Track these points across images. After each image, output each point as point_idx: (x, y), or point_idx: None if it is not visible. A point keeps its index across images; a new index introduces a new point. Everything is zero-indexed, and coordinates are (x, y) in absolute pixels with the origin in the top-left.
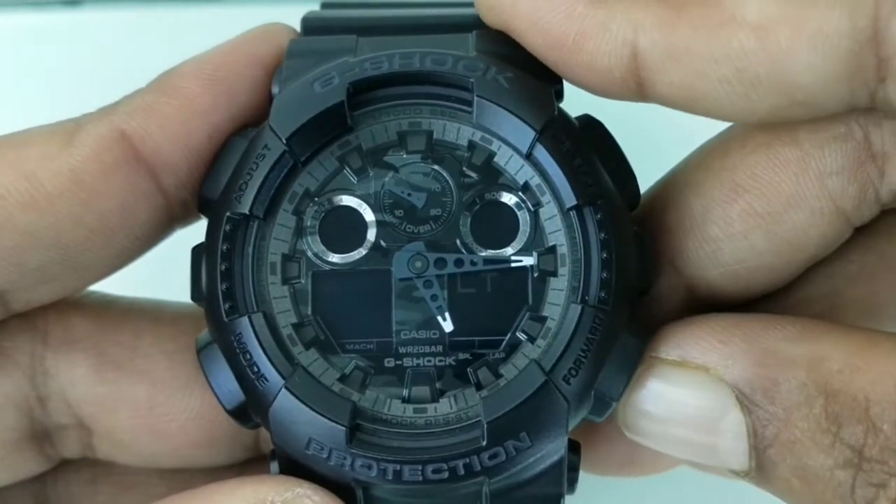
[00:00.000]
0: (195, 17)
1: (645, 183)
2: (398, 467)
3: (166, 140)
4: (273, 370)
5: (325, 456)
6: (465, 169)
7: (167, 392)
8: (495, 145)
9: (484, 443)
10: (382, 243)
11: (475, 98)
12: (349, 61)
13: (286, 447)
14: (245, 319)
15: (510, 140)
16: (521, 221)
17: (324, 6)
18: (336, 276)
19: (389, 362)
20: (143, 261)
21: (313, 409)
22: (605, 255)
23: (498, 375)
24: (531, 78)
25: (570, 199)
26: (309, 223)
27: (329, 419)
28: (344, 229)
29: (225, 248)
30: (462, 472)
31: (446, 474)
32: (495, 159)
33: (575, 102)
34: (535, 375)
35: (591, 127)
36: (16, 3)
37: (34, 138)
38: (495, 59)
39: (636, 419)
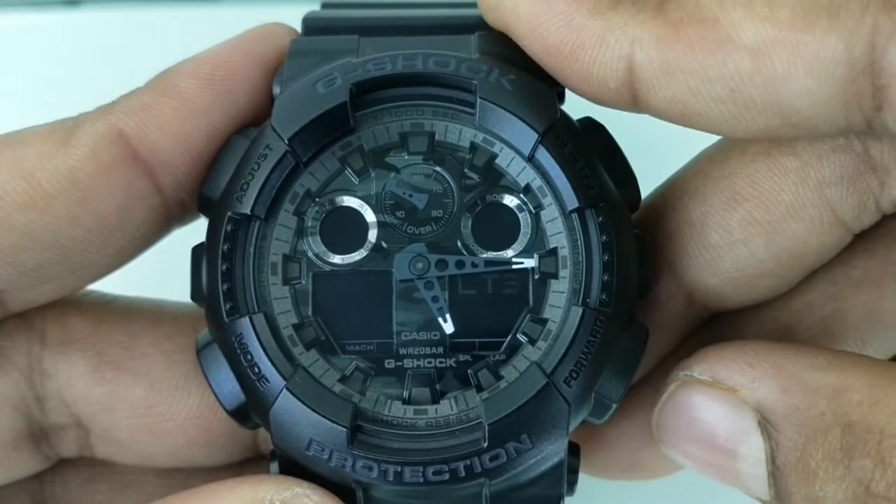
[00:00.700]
0: (195, 17)
1: (647, 185)
2: (399, 468)
3: (164, 140)
4: (274, 371)
5: (325, 457)
6: (466, 170)
7: (165, 392)
8: (497, 147)
9: (485, 444)
10: (383, 244)
11: (478, 100)
12: (352, 62)
13: (287, 448)
14: (246, 320)
15: (512, 142)
16: (522, 223)
17: (324, 6)
18: (337, 276)
19: (390, 363)
20: (142, 261)
21: (314, 411)
22: (606, 258)
23: (498, 377)
24: (534, 80)
25: (571, 202)
26: (310, 224)
27: (330, 420)
28: (345, 230)
29: (226, 248)
30: (463, 473)
31: (447, 476)
32: (497, 161)
33: (577, 105)
34: (537, 377)
35: (593, 129)
36: (16, 3)
37: (31, 138)
38: (498, 60)
39: (667, 434)
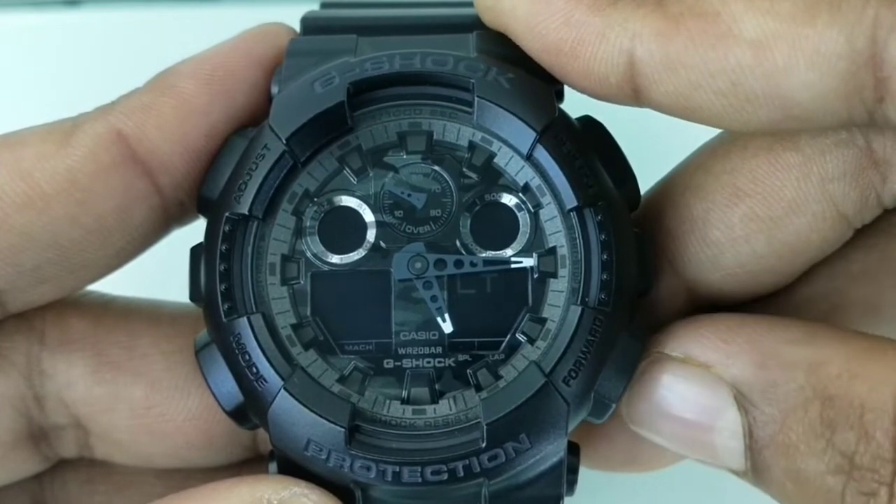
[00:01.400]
0: (195, 17)
1: (646, 184)
2: (397, 469)
3: (163, 140)
4: (272, 371)
5: (323, 457)
6: (465, 170)
7: (165, 392)
8: (495, 146)
9: (483, 444)
10: (382, 244)
11: (476, 99)
12: (349, 61)
13: (285, 448)
14: (244, 320)
15: (511, 141)
16: (521, 222)
17: (323, 6)
18: (335, 276)
19: (389, 363)
20: (141, 261)
21: (312, 411)
22: (605, 257)
23: (497, 377)
24: (532, 79)
25: (570, 201)
26: (308, 224)
27: (328, 420)
28: (343, 230)
29: (224, 248)
30: (461, 473)
31: (445, 476)
32: (495, 160)
33: (576, 103)
34: (535, 377)
35: (591, 128)
36: (16, 3)
37: (30, 138)
38: (496, 59)
39: (640, 413)
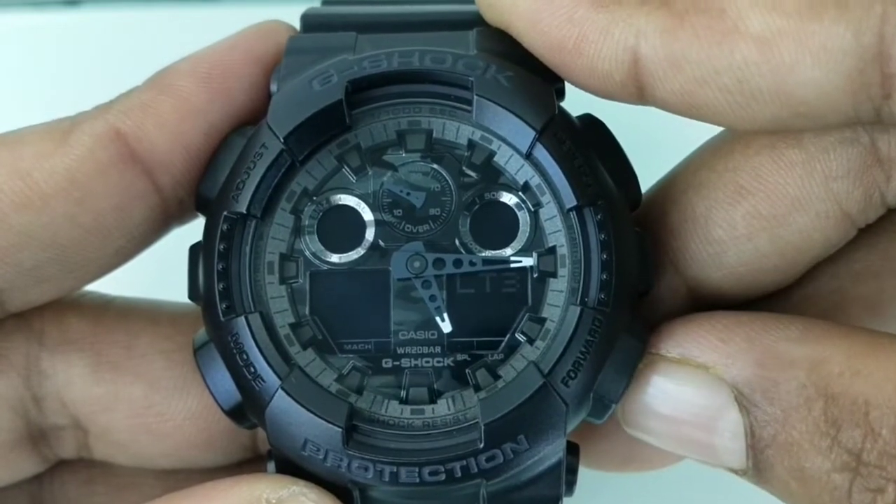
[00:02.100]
0: (195, 17)
1: (647, 183)
2: (395, 469)
3: (162, 139)
4: (269, 370)
5: (321, 457)
6: (464, 168)
7: (164, 392)
8: (495, 145)
9: (481, 445)
10: (381, 243)
11: (475, 97)
12: (348, 59)
13: (283, 448)
14: (242, 319)
15: (510, 139)
16: (520, 222)
17: (324, 3)
18: (334, 275)
19: (387, 363)
20: (141, 260)
21: (310, 410)
22: (605, 257)
23: (496, 377)
24: (532, 77)
25: (570, 200)
26: (307, 222)
27: (325, 420)
28: (342, 229)
29: (222, 247)
30: (459, 474)
31: (443, 476)
32: (495, 159)
33: (576, 101)
34: (534, 377)
35: (592, 126)
36: (16, 3)
37: (29, 137)
38: (496, 57)
39: (635, 415)
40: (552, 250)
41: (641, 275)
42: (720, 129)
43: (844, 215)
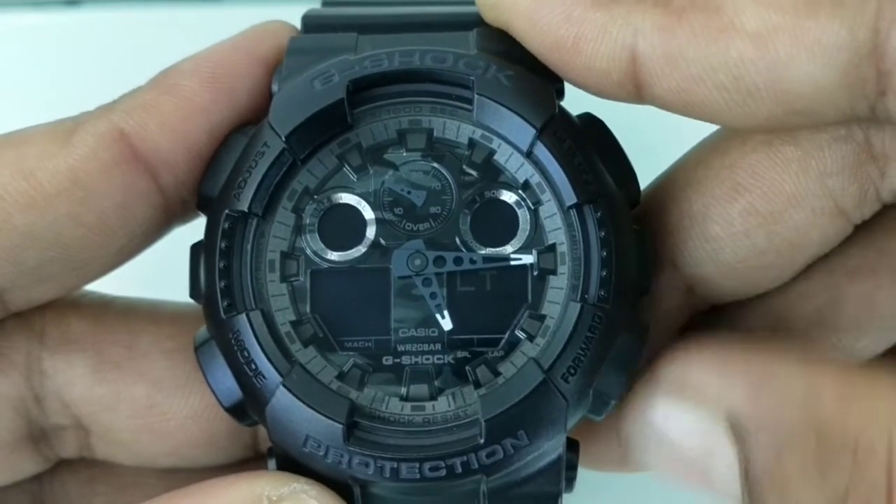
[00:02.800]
0: (195, 17)
1: (645, 181)
2: (396, 465)
3: (165, 138)
4: (271, 368)
5: (322, 453)
6: (465, 167)
7: (166, 391)
8: (495, 143)
9: (482, 441)
10: (382, 241)
11: (475, 96)
12: (349, 59)
13: (283, 445)
14: (243, 317)
15: (510, 138)
16: (520, 219)
17: (325, 4)
18: (335, 273)
19: (388, 360)
20: (141, 259)
21: (311, 407)
22: (604, 254)
23: (496, 374)
24: (532, 76)
25: (570, 198)
26: (308, 221)
27: (326, 417)
28: (343, 227)
29: (224, 245)
30: (459, 470)
31: (444, 472)
32: (495, 157)
33: (576, 101)
34: (534, 374)
35: (591, 125)
36: (16, 3)
37: (32, 137)
38: (496, 56)
39: (632, 441)
40: (552, 248)
41: (641, 272)
42: (717, 127)
43: (840, 212)
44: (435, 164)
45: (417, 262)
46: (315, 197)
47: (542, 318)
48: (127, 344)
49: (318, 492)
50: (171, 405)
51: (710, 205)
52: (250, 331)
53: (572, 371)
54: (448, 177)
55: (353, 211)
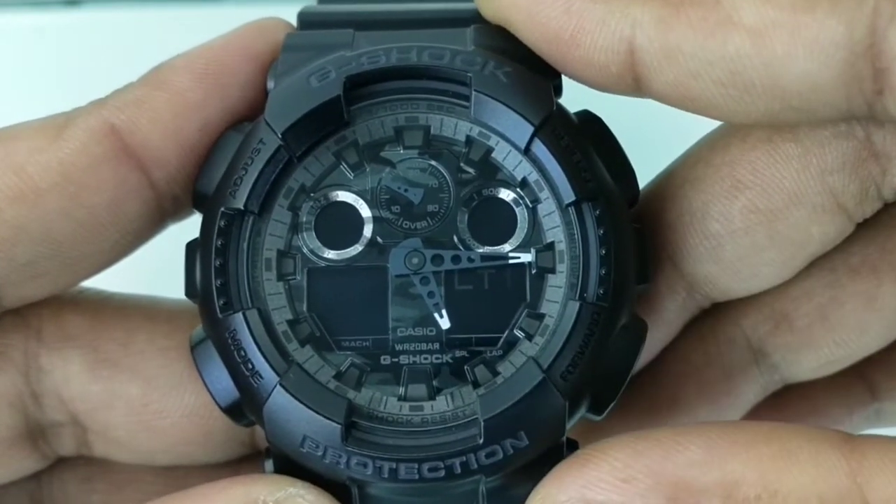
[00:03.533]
0: (195, 17)
1: (644, 179)
2: (394, 465)
3: (156, 134)
4: (267, 367)
5: (320, 454)
6: (462, 164)
7: (162, 389)
8: (493, 141)
9: (481, 441)
10: (379, 239)
11: (473, 93)
12: (346, 55)
13: (281, 445)
14: (239, 316)
15: (508, 135)
16: (518, 218)
17: (321, 1)
18: (332, 272)
19: (385, 360)
20: (138, 258)
21: (308, 407)
22: (603, 252)
23: (495, 373)
24: (530, 73)
25: (568, 195)
26: (305, 219)
27: (324, 417)
28: (340, 225)
29: (219, 243)
30: (458, 470)
31: (443, 473)
32: (493, 155)
33: (574, 98)
34: (533, 373)
35: (590, 122)
36: (16, 3)
37: (23, 133)
38: (494, 53)
39: None
40: (550, 246)
41: (640, 270)
42: (718, 124)
43: (840, 209)
44: (432, 162)
45: (415, 260)
46: (311, 195)
47: (540, 317)
48: (123, 341)
49: (315, 496)
50: (167, 403)
51: (709, 202)
52: (247, 330)
53: (571, 370)
54: (445, 174)
55: (349, 209)
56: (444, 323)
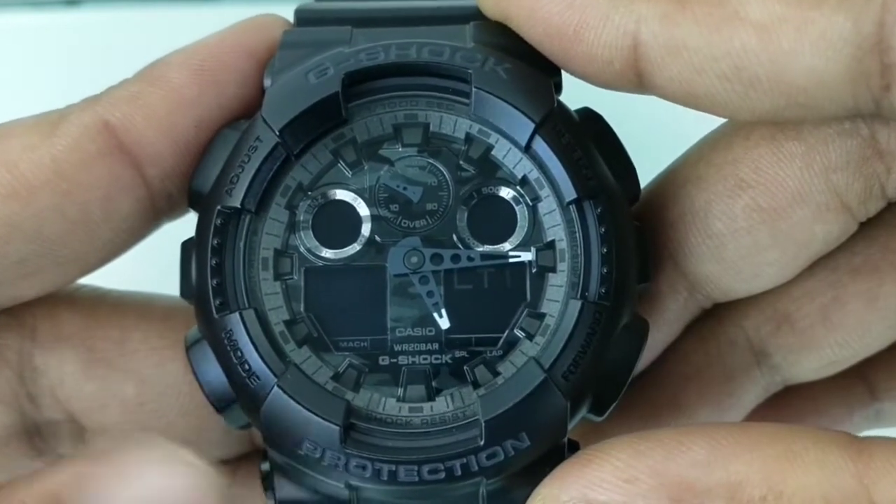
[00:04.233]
0: (195, 17)
1: (645, 177)
2: (393, 468)
3: (151, 130)
4: (265, 368)
5: (318, 456)
6: (461, 162)
7: (157, 389)
8: (493, 138)
9: (482, 442)
10: (377, 238)
11: (473, 90)
12: (344, 52)
13: (278, 447)
14: (236, 316)
15: (509, 133)
16: (518, 216)
17: None
18: (329, 272)
19: (384, 360)
20: (132, 257)
21: (306, 409)
22: (605, 250)
23: (496, 373)
24: (530, 69)
25: (569, 193)
26: (302, 218)
27: (322, 418)
28: (338, 224)
29: (216, 242)
30: (459, 472)
31: (443, 475)
32: (493, 152)
33: (574, 95)
34: (534, 373)
35: (590, 120)
36: (16, 3)
37: (16, 129)
38: (493, 50)
39: None
40: (551, 245)
41: (642, 268)
42: (720, 122)
43: (844, 208)
44: (431, 160)
45: (414, 259)
46: (309, 193)
47: (541, 316)
48: (118, 340)
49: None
50: (162, 403)
51: (712, 201)
52: (244, 330)
53: (573, 370)
54: (445, 172)
55: (347, 207)
56: (444, 323)
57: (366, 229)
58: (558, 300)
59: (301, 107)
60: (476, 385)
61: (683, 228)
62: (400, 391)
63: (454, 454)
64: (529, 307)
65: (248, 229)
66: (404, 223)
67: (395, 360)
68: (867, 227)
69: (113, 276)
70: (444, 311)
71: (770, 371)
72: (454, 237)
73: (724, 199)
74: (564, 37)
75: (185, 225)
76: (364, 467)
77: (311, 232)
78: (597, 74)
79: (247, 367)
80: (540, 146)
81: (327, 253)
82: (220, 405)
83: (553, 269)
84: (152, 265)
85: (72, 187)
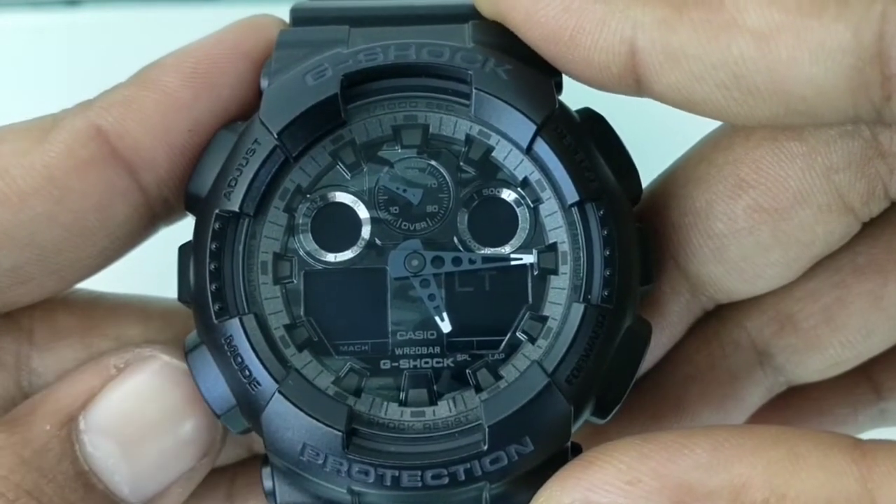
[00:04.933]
0: (195, 18)
1: (647, 178)
2: (396, 473)
3: (144, 135)
4: (265, 374)
5: (320, 462)
6: (462, 164)
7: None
8: (493, 140)
9: (485, 447)
10: (377, 241)
11: (473, 91)
12: (342, 52)
13: (280, 453)
14: (236, 321)
15: (509, 134)
16: (520, 218)
17: None
18: (329, 275)
19: (385, 364)
20: (129, 262)
21: (308, 414)
22: (608, 253)
23: (498, 377)
24: (531, 70)
25: (571, 195)
26: (301, 221)
27: (325, 424)
28: (337, 227)
29: (214, 246)
30: (462, 477)
31: (446, 480)
32: (493, 154)
33: (575, 96)
34: (537, 377)
35: (592, 121)
36: (16, 3)
37: (8, 135)
38: (493, 50)
39: None
40: (553, 247)
41: (644, 270)
42: (721, 122)
43: (847, 208)
44: (431, 162)
45: (415, 262)
46: (308, 196)
47: (543, 319)
48: (116, 339)
49: (161, 347)
50: None
51: (713, 201)
52: (244, 336)
53: (576, 374)
54: (445, 174)
55: (347, 210)
56: (445, 326)
57: (366, 232)
58: (560, 303)
59: (299, 109)
60: (478, 389)
61: (685, 229)
62: (402, 395)
63: (457, 459)
64: (531, 310)
65: (246, 233)
66: (404, 226)
67: (396, 364)
68: (870, 227)
69: (109, 280)
70: (445, 315)
71: (773, 372)
72: (455, 240)
73: (725, 199)
74: (560, 41)
75: (183, 228)
76: (367, 473)
77: (310, 235)
78: (594, 78)
79: (247, 372)
80: (541, 148)
81: (327, 256)
82: (221, 411)
83: (555, 272)
84: (149, 269)
85: (64, 194)
